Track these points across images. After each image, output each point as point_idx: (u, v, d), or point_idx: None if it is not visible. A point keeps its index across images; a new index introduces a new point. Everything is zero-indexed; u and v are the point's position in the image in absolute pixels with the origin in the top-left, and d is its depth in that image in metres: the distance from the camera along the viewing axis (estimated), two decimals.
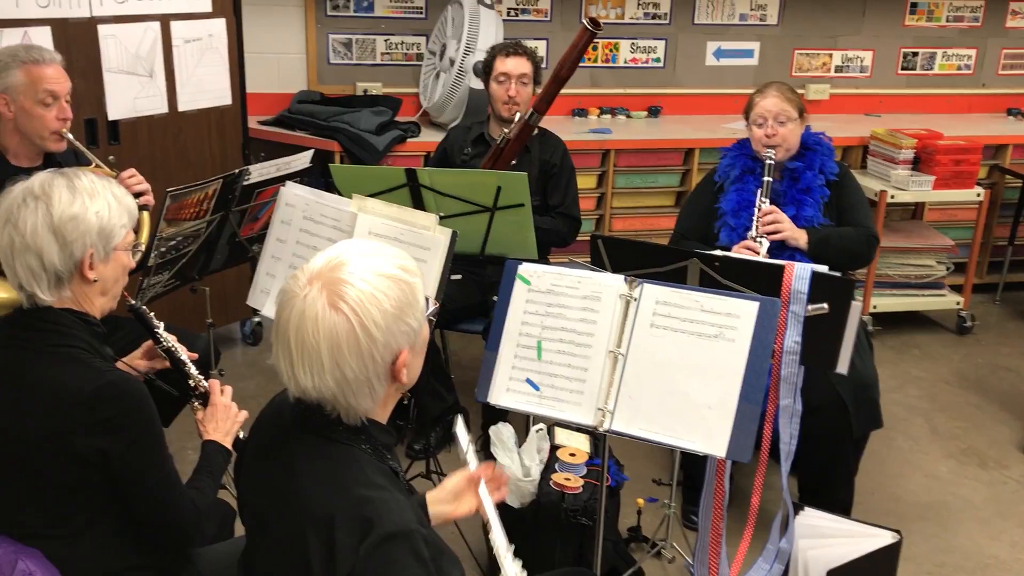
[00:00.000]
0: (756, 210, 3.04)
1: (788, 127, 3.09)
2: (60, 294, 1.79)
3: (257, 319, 4.27)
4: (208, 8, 3.73)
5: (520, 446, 2.86)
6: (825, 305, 2.40)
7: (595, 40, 3.31)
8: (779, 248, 3.02)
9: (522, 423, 3.20)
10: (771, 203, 3.06)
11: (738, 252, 2.96)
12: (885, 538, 2.47)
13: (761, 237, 3.00)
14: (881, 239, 3.40)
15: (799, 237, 3.03)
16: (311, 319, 1.38)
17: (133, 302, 2.08)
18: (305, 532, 1.40)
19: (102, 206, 1.78)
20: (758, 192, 3.07)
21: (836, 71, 5.33)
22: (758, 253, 2.96)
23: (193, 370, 2.17)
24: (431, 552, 1.43)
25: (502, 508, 2.66)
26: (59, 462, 1.74)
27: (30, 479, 1.78)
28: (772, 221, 3.02)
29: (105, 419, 1.73)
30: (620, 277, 2.23)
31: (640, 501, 3.00)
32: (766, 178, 3.07)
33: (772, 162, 3.08)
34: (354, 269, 1.41)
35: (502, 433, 2.85)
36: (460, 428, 1.94)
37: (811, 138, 3.21)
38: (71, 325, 1.79)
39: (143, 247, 2.14)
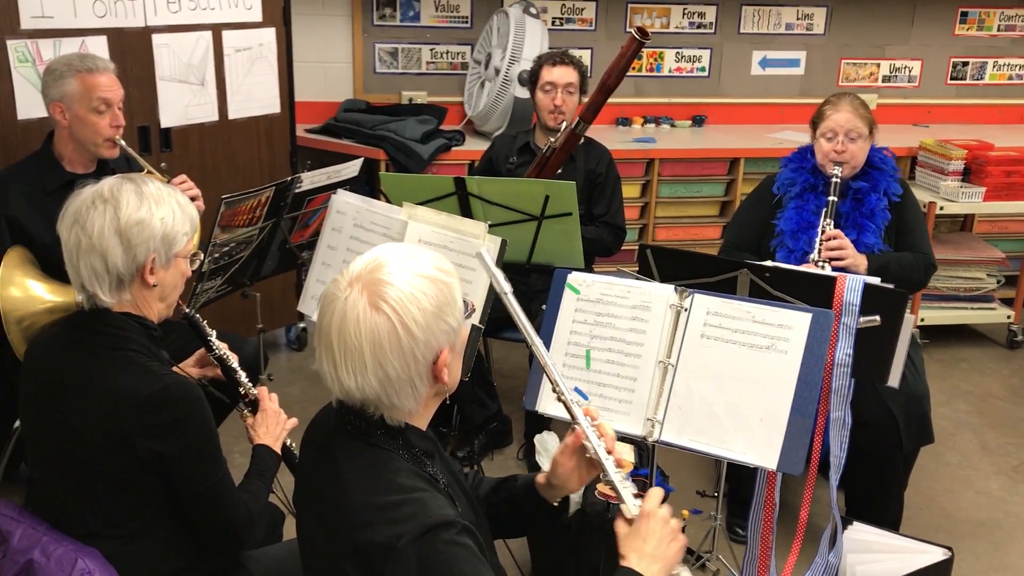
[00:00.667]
0: (819, 232, 2.94)
1: (858, 144, 2.99)
2: (120, 297, 1.82)
3: (302, 325, 4.31)
4: (259, 18, 3.78)
5: None
6: (877, 317, 2.37)
7: (642, 49, 3.31)
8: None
9: (564, 431, 3.19)
10: (834, 224, 2.96)
11: None
12: (936, 555, 2.44)
13: (824, 262, 2.89)
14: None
15: (860, 263, 2.93)
16: (353, 320, 1.41)
17: (188, 310, 2.11)
18: (346, 537, 1.42)
19: (167, 213, 1.82)
20: (822, 213, 2.97)
21: (884, 81, 5.28)
22: None
23: (244, 378, 2.20)
24: (479, 544, 1.44)
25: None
26: (117, 464, 1.78)
27: (90, 480, 1.81)
28: (836, 247, 2.91)
29: (162, 422, 1.76)
30: (670, 287, 2.22)
31: (685, 513, 2.98)
32: (831, 198, 2.97)
33: (838, 181, 2.98)
34: (393, 270, 1.44)
35: (547, 442, 2.85)
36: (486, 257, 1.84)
37: (876, 155, 3.10)
38: (130, 329, 1.83)
39: (202, 256, 2.17)
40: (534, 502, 1.75)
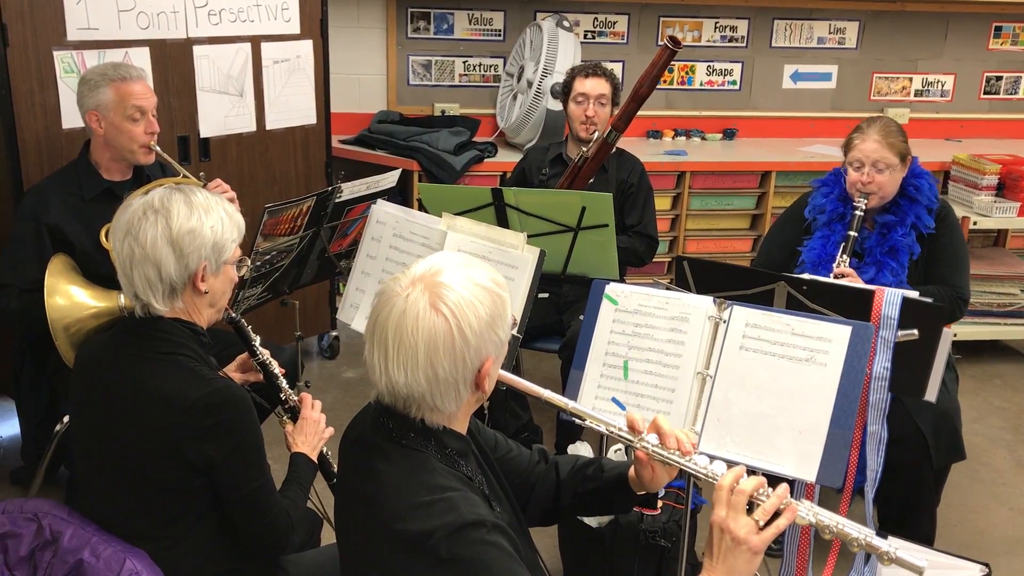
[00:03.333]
0: (834, 267, 2.85)
1: (886, 175, 2.87)
2: (173, 304, 1.86)
3: (335, 333, 4.34)
4: (297, 30, 3.84)
5: None
6: (915, 331, 2.36)
7: (672, 61, 3.33)
8: (878, 275, 2.91)
9: (596, 441, 3.20)
10: (855, 258, 2.89)
11: None
12: (973, 571, 2.42)
13: None
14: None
15: None
16: (412, 317, 1.44)
17: (234, 315, 2.14)
18: (383, 535, 1.45)
19: (216, 221, 1.85)
20: (841, 248, 2.89)
21: (916, 95, 5.27)
22: None
23: (285, 384, 2.23)
24: (513, 543, 1.46)
25: (578, 527, 2.68)
26: (166, 466, 1.81)
27: (138, 482, 1.84)
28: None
29: (211, 425, 1.79)
30: (709, 299, 2.23)
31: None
32: (851, 232, 2.87)
33: (861, 214, 2.88)
34: (453, 276, 1.49)
35: (580, 452, 2.86)
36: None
37: (912, 182, 2.95)
38: (180, 334, 1.86)
39: (249, 262, 2.20)
40: (625, 494, 1.78)
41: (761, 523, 1.51)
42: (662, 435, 1.66)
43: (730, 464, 1.98)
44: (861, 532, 1.50)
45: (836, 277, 2.81)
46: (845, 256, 2.86)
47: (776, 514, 1.52)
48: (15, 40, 3.01)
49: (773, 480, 1.64)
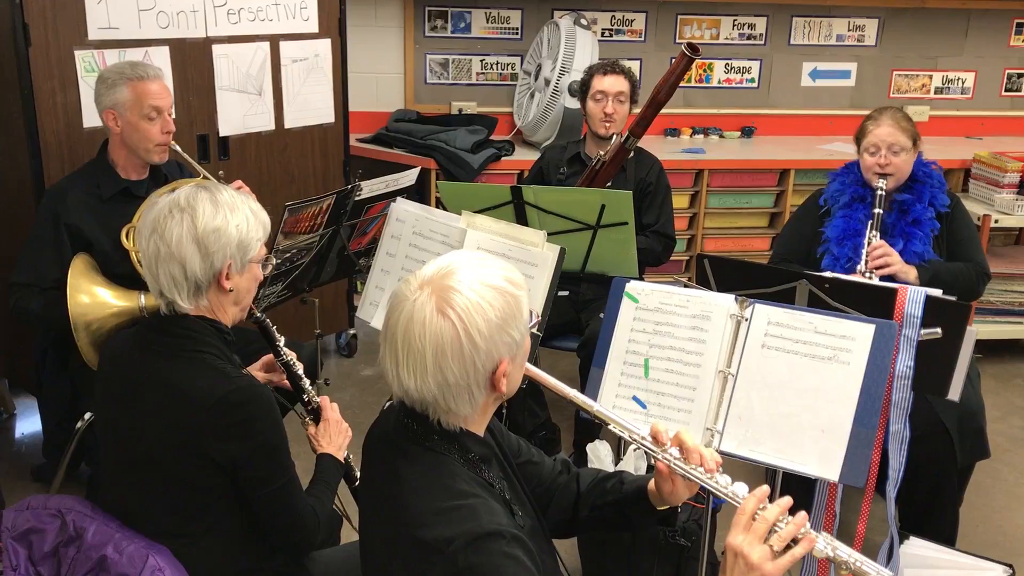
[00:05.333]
0: (865, 243, 2.97)
1: (901, 157, 3.03)
2: (198, 302, 1.87)
3: (352, 331, 4.35)
4: (315, 29, 3.85)
5: (616, 464, 2.86)
6: (939, 330, 2.34)
7: (692, 65, 3.32)
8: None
9: (615, 440, 3.19)
10: (880, 236, 2.99)
11: None
12: (996, 572, 2.41)
13: (870, 272, 2.91)
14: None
15: (908, 272, 2.95)
16: (419, 322, 1.43)
17: (259, 315, 2.14)
18: (404, 538, 1.44)
19: (241, 220, 1.86)
20: (868, 224, 3.01)
21: (936, 92, 5.23)
22: None
23: (308, 385, 2.23)
24: (531, 554, 1.45)
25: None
26: (189, 463, 1.81)
27: (162, 479, 1.85)
28: (882, 255, 2.94)
29: (234, 423, 1.79)
30: (730, 297, 2.22)
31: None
32: (876, 210, 3.00)
33: (883, 193, 3.02)
34: (463, 278, 1.46)
35: (599, 451, 2.86)
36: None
37: (921, 168, 3.13)
38: (204, 332, 1.87)
39: (274, 260, 2.21)
40: (644, 508, 1.75)
41: (777, 550, 1.49)
42: (685, 450, 1.63)
43: (751, 464, 1.97)
44: (880, 572, 1.48)
45: (871, 251, 2.94)
46: (875, 232, 2.98)
47: (794, 541, 1.50)
48: (37, 40, 3.03)
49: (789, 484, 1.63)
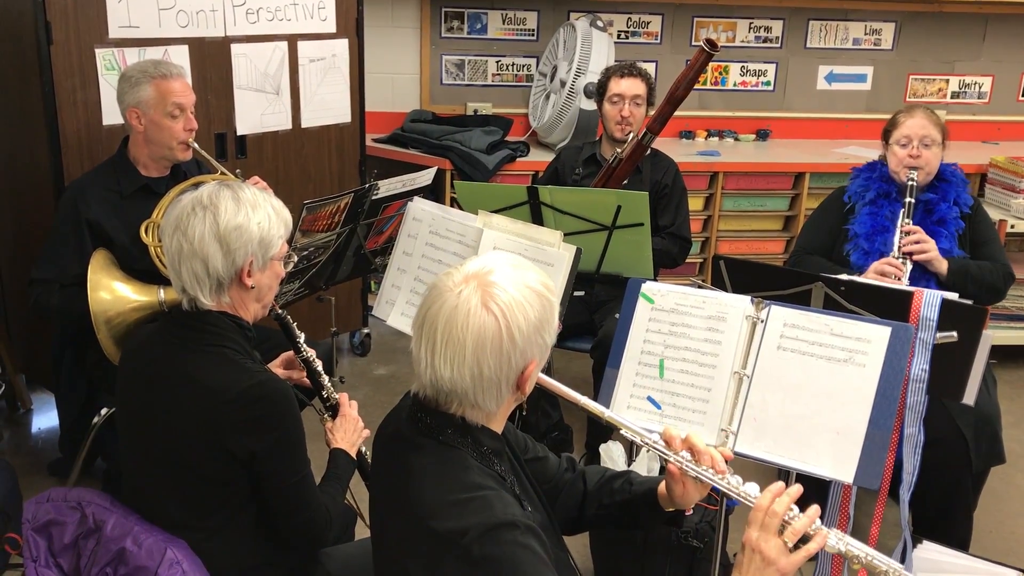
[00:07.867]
0: (898, 231, 2.99)
1: (932, 151, 3.05)
2: (220, 299, 1.89)
3: (366, 330, 4.37)
4: (333, 29, 3.87)
5: (629, 465, 2.86)
6: (954, 333, 2.34)
7: (710, 62, 3.32)
8: (913, 276, 2.96)
9: (627, 441, 3.19)
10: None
11: (880, 269, 2.92)
12: None
13: (904, 256, 2.94)
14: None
15: (941, 263, 2.98)
16: (463, 313, 1.45)
17: (280, 311, 2.16)
18: (416, 530, 1.46)
19: (263, 217, 1.87)
20: (901, 213, 3.02)
21: (952, 97, 5.21)
22: (901, 272, 2.91)
23: (327, 382, 2.25)
24: (544, 545, 1.46)
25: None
26: (208, 457, 1.83)
27: (180, 472, 1.87)
28: (918, 241, 2.96)
29: (253, 418, 1.81)
30: (746, 298, 2.22)
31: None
32: (909, 199, 3.01)
33: (915, 183, 3.02)
34: (505, 277, 1.50)
35: (612, 451, 2.86)
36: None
37: (945, 169, 3.14)
38: (226, 327, 1.88)
39: (295, 258, 2.22)
40: (653, 509, 1.77)
41: (790, 544, 1.51)
42: (696, 452, 1.65)
43: (765, 464, 1.97)
44: (891, 565, 1.50)
45: (903, 235, 2.96)
46: (908, 219, 2.99)
47: (806, 537, 1.52)
48: (58, 38, 3.06)
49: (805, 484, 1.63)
